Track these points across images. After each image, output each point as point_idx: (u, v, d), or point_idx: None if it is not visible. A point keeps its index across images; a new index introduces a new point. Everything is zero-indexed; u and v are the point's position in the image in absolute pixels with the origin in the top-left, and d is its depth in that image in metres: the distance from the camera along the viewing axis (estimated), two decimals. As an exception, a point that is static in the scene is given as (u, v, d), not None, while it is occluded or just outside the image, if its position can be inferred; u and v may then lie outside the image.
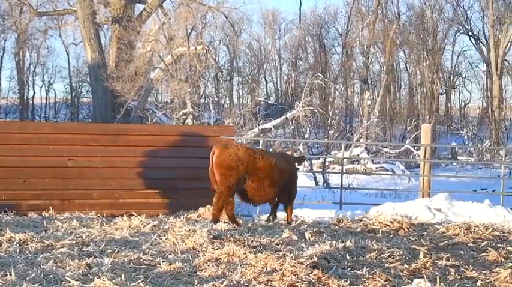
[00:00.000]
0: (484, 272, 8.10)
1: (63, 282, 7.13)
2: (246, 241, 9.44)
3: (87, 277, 7.28)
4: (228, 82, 50.72)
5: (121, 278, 7.23)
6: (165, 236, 10.12)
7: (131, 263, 8.14)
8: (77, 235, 10.19)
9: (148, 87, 31.40)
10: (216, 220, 11.75)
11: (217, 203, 11.86)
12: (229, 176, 11.72)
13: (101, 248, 9.05)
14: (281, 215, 13.00)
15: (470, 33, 48.19)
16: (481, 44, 47.64)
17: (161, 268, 7.98)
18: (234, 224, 11.66)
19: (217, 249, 8.97)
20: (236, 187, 11.92)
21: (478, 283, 7.56)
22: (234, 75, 52.19)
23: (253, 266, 7.98)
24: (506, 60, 46.04)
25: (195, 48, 30.90)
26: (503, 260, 8.94)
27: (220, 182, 11.78)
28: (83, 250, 9.01)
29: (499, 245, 10.11)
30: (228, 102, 48.91)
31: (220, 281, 7.29)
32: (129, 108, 30.05)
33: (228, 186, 11.75)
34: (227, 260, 8.47)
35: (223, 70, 50.07)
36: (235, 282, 7.34)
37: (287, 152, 14.89)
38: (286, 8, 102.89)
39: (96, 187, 13.89)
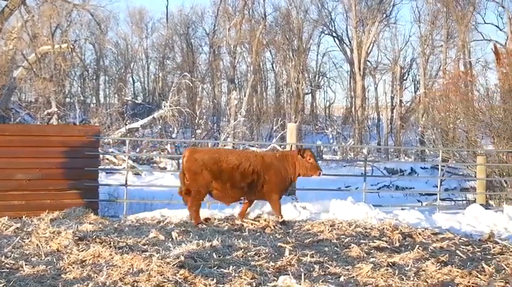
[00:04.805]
0: (347, 267, 8.27)
1: None
2: (112, 242, 9.33)
3: None
4: (94, 81, 50.04)
5: (-19, 283, 7.02)
6: (28, 238, 9.87)
7: (-8, 267, 7.91)
8: None
9: (11, 86, 30.59)
10: (199, 222, 11.92)
11: (191, 208, 12.17)
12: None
13: (-40, 253, 8.75)
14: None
15: (334, 34, 49.49)
16: (344, 45, 49.00)
17: (24, 271, 7.77)
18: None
19: (82, 251, 8.81)
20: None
21: (341, 279, 7.71)
22: (101, 74, 51.61)
23: (120, 267, 7.89)
24: (368, 61, 47.55)
25: (60, 46, 30.40)
26: (365, 255, 9.16)
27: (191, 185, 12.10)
28: None
29: (361, 241, 10.34)
30: (94, 101, 48.33)
31: (86, 283, 7.18)
32: (-9, 108, 29.19)
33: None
34: (92, 261, 8.34)
35: (89, 69, 49.38)
36: (100, 284, 7.24)
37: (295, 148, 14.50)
38: (153, 7, 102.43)
39: (-45, 189, 13.39)
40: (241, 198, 12.70)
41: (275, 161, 12.62)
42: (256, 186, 12.38)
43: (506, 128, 20.91)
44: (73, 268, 7.95)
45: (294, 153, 12.84)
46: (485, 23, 44.83)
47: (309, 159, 12.48)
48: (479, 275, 7.93)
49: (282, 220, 12.26)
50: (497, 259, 9.10)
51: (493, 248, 10.24)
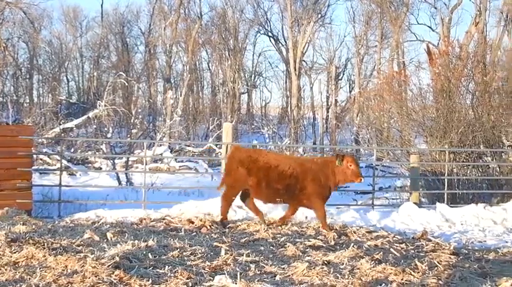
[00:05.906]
0: (282, 266, 8.30)
1: None
2: (46, 243, 9.15)
3: None
4: (27, 80, 49.28)
5: None
6: (-41, 241, 9.66)
7: None
8: None
9: None
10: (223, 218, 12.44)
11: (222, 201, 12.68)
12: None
13: None
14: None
15: (270, 33, 49.66)
16: (280, 45, 49.19)
17: (-47, 275, 7.62)
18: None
19: (15, 252, 8.63)
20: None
21: (277, 278, 7.74)
22: (34, 73, 50.86)
23: (53, 268, 7.77)
24: (304, 60, 47.80)
25: (-9, 45, 29.84)
26: (300, 254, 9.21)
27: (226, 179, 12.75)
28: None
29: (297, 240, 10.40)
30: (27, 101, 47.58)
31: (18, 285, 7.06)
32: None
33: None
34: (26, 263, 8.18)
35: (23, 68, 48.65)
36: (34, 286, 7.11)
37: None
38: (87, 5, 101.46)
39: None
40: (277, 199, 12.56)
41: (314, 166, 12.46)
42: (294, 190, 12.26)
43: (439, 127, 21.25)
44: (5, 270, 7.80)
45: (334, 159, 12.66)
46: (418, 23, 45.71)
47: (350, 165, 12.25)
48: (412, 273, 8.05)
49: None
50: (430, 256, 9.26)
51: (426, 245, 10.43)
